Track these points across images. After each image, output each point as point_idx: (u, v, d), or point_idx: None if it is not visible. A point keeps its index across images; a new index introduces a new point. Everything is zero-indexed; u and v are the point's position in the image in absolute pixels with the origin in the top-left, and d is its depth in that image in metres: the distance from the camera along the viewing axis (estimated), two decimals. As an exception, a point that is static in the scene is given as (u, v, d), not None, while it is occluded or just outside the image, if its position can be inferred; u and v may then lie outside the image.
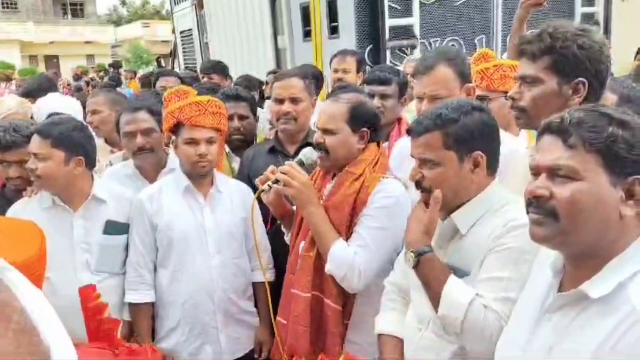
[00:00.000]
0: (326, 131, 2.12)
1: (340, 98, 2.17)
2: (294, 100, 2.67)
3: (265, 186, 2.10)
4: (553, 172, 1.17)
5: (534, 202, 1.19)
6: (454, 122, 1.61)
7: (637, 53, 5.59)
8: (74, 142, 2.33)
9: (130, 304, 2.42)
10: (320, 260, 2.08)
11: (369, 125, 2.14)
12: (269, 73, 5.36)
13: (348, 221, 2.07)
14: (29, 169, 2.31)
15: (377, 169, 2.12)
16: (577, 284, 1.16)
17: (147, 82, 4.96)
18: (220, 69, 5.04)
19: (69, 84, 13.34)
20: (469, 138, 1.61)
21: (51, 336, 0.50)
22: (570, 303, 1.18)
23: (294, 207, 2.28)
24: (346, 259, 1.99)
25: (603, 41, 1.65)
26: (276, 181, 2.08)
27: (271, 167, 2.15)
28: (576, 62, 1.60)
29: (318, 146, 2.14)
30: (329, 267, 2.04)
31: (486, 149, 1.63)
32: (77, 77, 15.33)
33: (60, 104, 3.71)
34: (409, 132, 1.73)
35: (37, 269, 1.59)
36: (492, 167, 1.67)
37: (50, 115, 3.32)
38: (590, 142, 1.12)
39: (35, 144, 2.30)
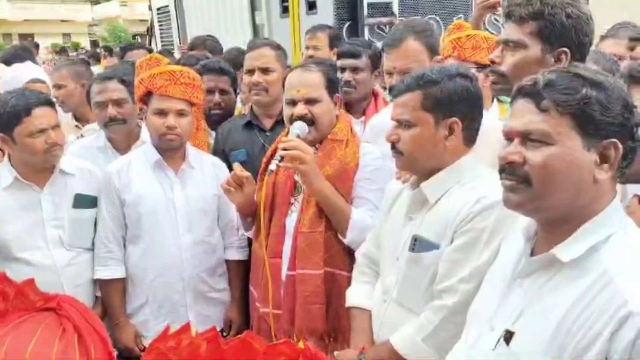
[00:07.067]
0: (310, 101, 2.07)
1: (311, 67, 2.15)
2: (265, 71, 2.59)
3: (273, 166, 1.97)
4: (525, 137, 1.14)
5: (507, 168, 1.16)
6: (434, 84, 1.61)
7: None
8: None
9: (101, 280, 2.35)
10: (329, 234, 2.04)
11: (338, 91, 2.16)
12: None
13: (352, 188, 2.06)
14: (52, 141, 2.17)
15: (354, 134, 2.14)
16: (549, 249, 1.14)
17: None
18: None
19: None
20: (447, 102, 1.60)
21: None
22: (542, 267, 1.16)
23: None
24: (366, 225, 1.99)
25: (590, 13, 1.63)
26: (281, 159, 1.95)
27: (281, 145, 1.99)
28: (562, 31, 1.58)
29: (302, 119, 2.06)
30: (351, 237, 2.01)
31: (464, 116, 1.62)
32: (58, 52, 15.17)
33: (38, 71, 3.70)
34: (391, 90, 1.71)
35: None
36: (469, 136, 1.66)
37: (32, 80, 3.37)
38: (562, 105, 1.09)
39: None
